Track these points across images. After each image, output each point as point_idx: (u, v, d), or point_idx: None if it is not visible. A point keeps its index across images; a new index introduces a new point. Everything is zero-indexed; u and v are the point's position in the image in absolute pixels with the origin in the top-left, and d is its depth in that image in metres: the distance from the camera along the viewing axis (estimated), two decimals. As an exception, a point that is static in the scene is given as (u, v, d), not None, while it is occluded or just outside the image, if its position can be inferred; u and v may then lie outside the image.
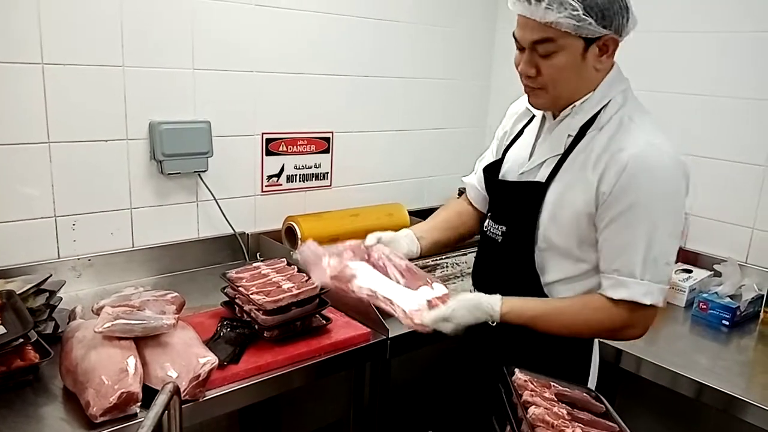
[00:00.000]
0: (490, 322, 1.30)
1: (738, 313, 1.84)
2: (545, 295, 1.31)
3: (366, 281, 1.31)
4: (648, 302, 1.20)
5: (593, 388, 1.30)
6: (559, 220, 1.26)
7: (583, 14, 1.12)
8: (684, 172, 1.21)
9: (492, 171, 1.43)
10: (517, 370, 1.17)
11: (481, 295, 1.30)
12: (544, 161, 1.31)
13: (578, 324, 1.27)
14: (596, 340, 1.38)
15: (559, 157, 1.28)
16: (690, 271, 2.07)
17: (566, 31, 1.14)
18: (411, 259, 1.43)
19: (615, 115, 1.24)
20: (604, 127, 1.24)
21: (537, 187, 1.28)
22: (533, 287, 1.31)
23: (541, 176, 1.29)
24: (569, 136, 1.28)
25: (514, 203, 1.36)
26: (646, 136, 1.19)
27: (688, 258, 2.19)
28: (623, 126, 1.22)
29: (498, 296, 1.28)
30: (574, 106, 1.26)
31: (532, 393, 1.10)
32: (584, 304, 1.27)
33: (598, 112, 1.25)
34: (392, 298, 1.28)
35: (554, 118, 1.32)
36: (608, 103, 1.25)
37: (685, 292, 1.96)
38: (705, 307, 1.88)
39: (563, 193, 1.25)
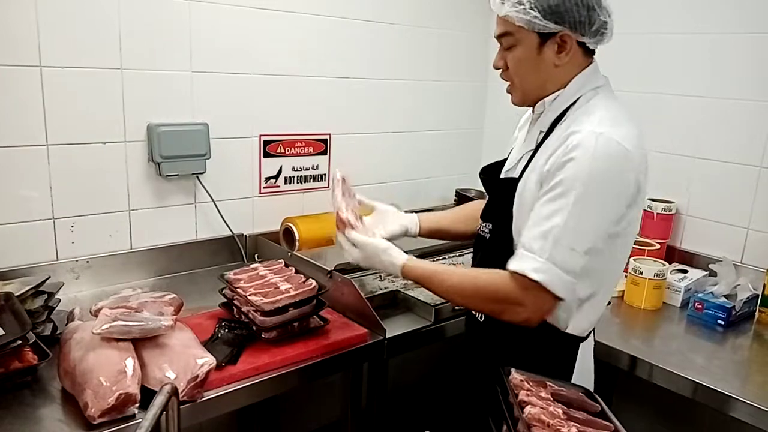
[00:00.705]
0: (394, 275, 1.39)
1: (733, 312, 1.85)
2: None
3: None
4: (535, 278, 1.15)
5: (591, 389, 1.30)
6: (523, 211, 1.26)
7: (529, 8, 1.18)
8: (626, 166, 1.16)
9: (487, 172, 1.46)
10: (513, 370, 1.18)
11: (394, 247, 1.37)
12: (521, 158, 1.34)
13: (470, 287, 1.27)
14: (588, 342, 1.38)
15: (531, 152, 1.30)
16: (685, 271, 2.07)
17: (521, 26, 1.21)
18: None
19: (580, 109, 1.25)
20: (566, 119, 1.25)
21: (511, 183, 1.31)
22: None
23: (517, 172, 1.32)
24: (540, 132, 1.30)
25: (495, 201, 1.39)
26: (595, 125, 1.17)
27: (683, 258, 2.20)
28: (578, 118, 1.23)
29: (406, 254, 1.37)
30: (545, 102, 1.29)
31: (528, 392, 1.11)
32: (486, 271, 1.26)
33: (569, 108, 1.27)
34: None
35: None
36: (579, 99, 1.27)
37: (680, 291, 1.97)
38: (700, 306, 1.89)
39: (525, 182, 1.27)
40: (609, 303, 1.38)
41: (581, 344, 1.34)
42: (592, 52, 1.29)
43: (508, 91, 1.35)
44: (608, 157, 1.14)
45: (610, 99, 1.28)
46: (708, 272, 2.06)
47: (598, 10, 1.20)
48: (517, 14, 1.19)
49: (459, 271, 1.33)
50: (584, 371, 1.37)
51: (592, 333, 1.39)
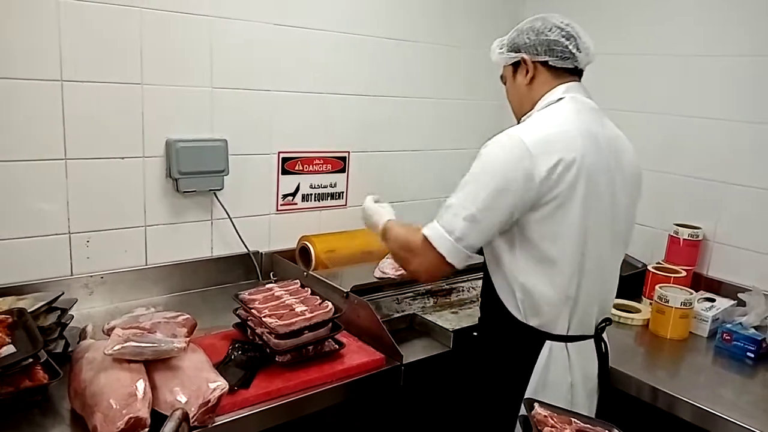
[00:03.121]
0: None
1: (763, 345, 1.78)
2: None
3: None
4: (424, 232, 1.35)
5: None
6: None
7: (500, 49, 1.49)
8: (515, 153, 1.27)
9: None
10: (536, 405, 1.13)
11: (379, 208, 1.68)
12: None
13: (397, 235, 1.50)
14: (548, 350, 1.36)
15: None
16: (713, 300, 2.01)
17: (503, 65, 1.51)
18: None
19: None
20: None
21: None
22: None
23: None
24: None
25: None
26: (513, 128, 1.34)
27: (710, 286, 2.14)
28: None
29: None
30: (522, 119, 1.46)
31: (553, 429, 1.06)
32: (414, 228, 1.45)
33: None
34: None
35: None
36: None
37: (707, 321, 1.90)
38: (729, 338, 1.82)
39: None
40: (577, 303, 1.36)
41: (551, 352, 1.35)
42: (568, 72, 1.41)
43: None
44: (501, 146, 1.31)
45: (554, 111, 1.37)
46: (736, 302, 1.99)
47: (546, 32, 1.39)
48: (497, 57, 1.50)
49: (405, 226, 1.53)
50: (555, 384, 1.36)
51: (573, 364, 1.37)
